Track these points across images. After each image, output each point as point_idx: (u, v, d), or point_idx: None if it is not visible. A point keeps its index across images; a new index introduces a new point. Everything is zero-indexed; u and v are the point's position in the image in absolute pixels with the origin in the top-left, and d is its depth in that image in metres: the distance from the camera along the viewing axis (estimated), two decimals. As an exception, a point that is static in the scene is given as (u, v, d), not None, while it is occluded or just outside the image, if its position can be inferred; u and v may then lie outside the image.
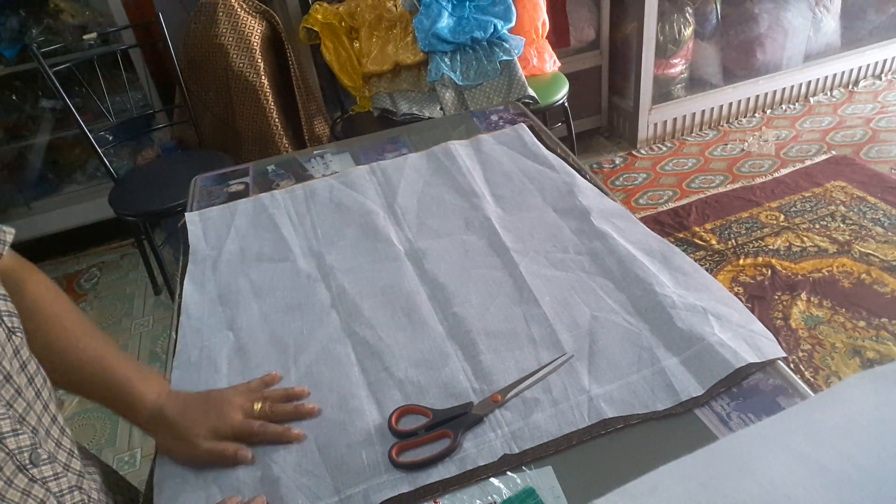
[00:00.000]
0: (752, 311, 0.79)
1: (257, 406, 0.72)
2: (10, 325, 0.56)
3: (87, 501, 0.60)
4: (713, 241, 2.22)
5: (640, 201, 2.53)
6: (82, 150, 2.59)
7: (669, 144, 2.87)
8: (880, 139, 2.67)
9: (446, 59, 2.06)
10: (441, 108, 2.07)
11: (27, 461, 0.53)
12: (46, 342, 0.66)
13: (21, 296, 0.67)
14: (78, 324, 0.70)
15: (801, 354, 1.76)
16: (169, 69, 2.30)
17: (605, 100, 2.90)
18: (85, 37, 2.12)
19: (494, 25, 2.04)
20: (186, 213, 1.13)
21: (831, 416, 0.60)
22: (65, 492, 0.57)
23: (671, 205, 2.46)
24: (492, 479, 0.64)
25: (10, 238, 0.67)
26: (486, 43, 2.08)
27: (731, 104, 2.91)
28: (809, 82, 3.01)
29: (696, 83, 2.89)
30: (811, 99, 3.05)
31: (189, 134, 2.45)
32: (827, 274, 2.00)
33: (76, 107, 2.03)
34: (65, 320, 0.70)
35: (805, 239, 2.16)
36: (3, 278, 0.65)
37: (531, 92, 2.07)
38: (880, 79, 3.14)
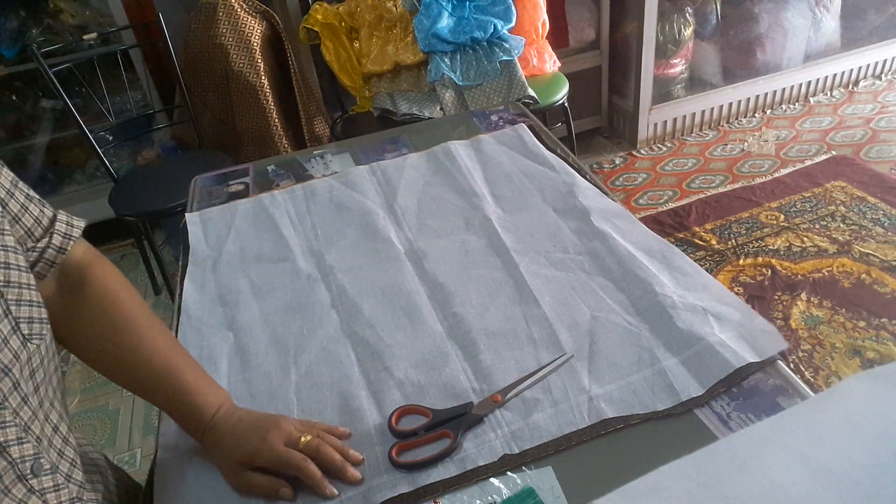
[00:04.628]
0: (752, 311, 0.79)
1: (304, 439, 0.66)
2: (26, 332, 0.55)
3: None
4: (713, 241, 2.22)
5: (640, 201, 2.53)
6: (82, 150, 2.58)
7: (669, 144, 2.87)
8: (880, 139, 2.67)
9: (446, 59, 2.06)
10: (441, 109, 2.07)
11: (28, 471, 0.52)
12: (112, 334, 0.65)
13: (88, 282, 0.67)
14: (148, 319, 0.68)
15: (801, 354, 1.76)
16: (169, 69, 2.30)
17: (605, 100, 2.90)
18: (85, 37, 2.12)
19: (494, 25, 2.04)
20: (187, 214, 1.13)
21: (831, 416, 0.60)
22: (64, 503, 0.56)
23: (671, 205, 2.46)
24: (492, 479, 0.64)
25: (77, 232, 0.67)
26: (486, 43, 2.08)
27: (731, 104, 2.91)
28: (809, 82, 3.01)
29: (696, 83, 2.88)
30: (811, 99, 3.05)
31: (189, 134, 2.45)
32: (827, 274, 2.00)
33: (76, 107, 2.03)
34: (135, 314, 0.67)
35: (805, 239, 2.16)
36: (72, 265, 0.66)
37: (531, 92, 2.07)
38: (880, 79, 3.14)
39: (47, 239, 0.64)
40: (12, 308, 0.54)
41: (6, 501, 0.50)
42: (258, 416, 0.69)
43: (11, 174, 0.61)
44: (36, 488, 0.53)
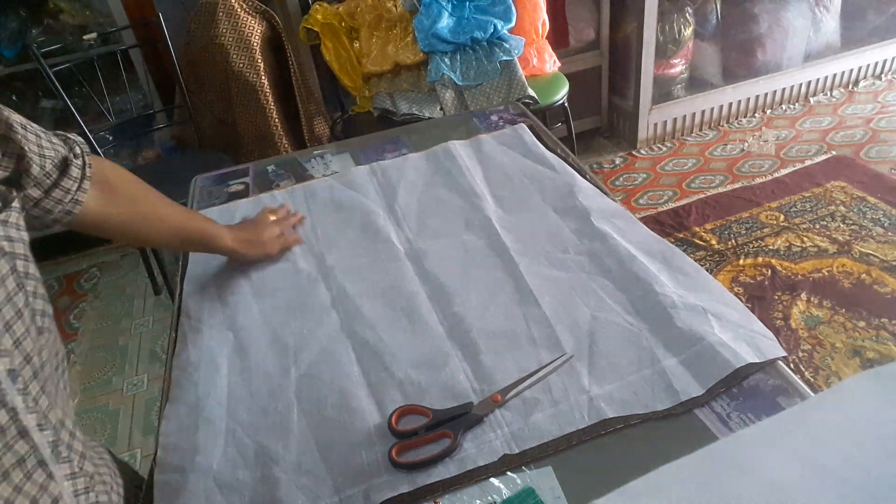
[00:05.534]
0: (752, 311, 0.79)
1: (272, 217, 1.02)
2: (39, 324, 0.57)
3: None
4: (713, 241, 2.22)
5: (640, 201, 2.53)
6: (82, 150, 2.58)
7: (669, 144, 2.87)
8: (880, 139, 2.67)
9: (446, 59, 2.06)
10: (441, 109, 2.06)
11: (48, 457, 0.54)
12: (145, 204, 0.86)
13: (108, 173, 0.81)
14: (155, 191, 0.89)
15: (801, 354, 1.76)
16: (169, 69, 2.30)
17: (605, 100, 2.90)
18: (85, 37, 2.12)
19: (494, 25, 2.04)
20: (186, 213, 1.14)
21: (831, 416, 0.59)
22: (80, 492, 0.58)
23: (671, 205, 2.46)
24: (492, 479, 0.65)
25: (77, 156, 0.74)
26: (486, 43, 2.08)
27: (731, 104, 2.91)
28: (809, 82, 3.01)
29: (696, 83, 2.88)
30: (811, 99, 3.05)
31: (189, 134, 2.45)
32: (827, 274, 2.00)
33: (76, 107, 2.03)
34: (148, 187, 0.88)
35: (805, 239, 2.16)
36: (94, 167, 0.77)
37: (531, 92, 2.07)
38: (880, 79, 3.14)
39: (79, 148, 0.75)
40: (31, 300, 0.56)
41: (28, 485, 0.51)
42: (249, 222, 1.02)
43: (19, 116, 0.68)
44: (56, 474, 0.54)
